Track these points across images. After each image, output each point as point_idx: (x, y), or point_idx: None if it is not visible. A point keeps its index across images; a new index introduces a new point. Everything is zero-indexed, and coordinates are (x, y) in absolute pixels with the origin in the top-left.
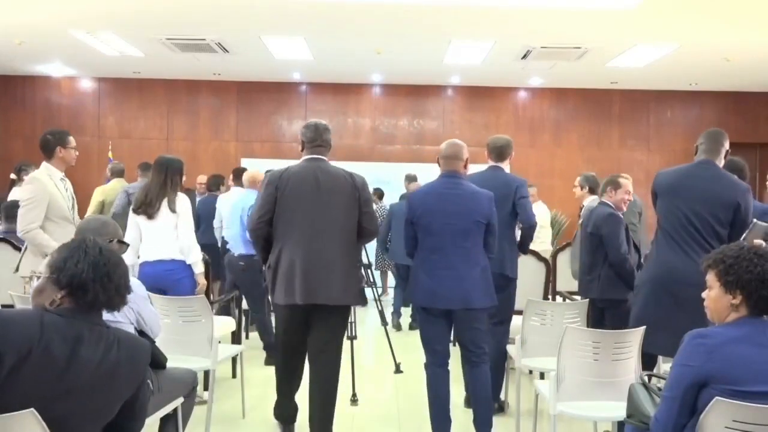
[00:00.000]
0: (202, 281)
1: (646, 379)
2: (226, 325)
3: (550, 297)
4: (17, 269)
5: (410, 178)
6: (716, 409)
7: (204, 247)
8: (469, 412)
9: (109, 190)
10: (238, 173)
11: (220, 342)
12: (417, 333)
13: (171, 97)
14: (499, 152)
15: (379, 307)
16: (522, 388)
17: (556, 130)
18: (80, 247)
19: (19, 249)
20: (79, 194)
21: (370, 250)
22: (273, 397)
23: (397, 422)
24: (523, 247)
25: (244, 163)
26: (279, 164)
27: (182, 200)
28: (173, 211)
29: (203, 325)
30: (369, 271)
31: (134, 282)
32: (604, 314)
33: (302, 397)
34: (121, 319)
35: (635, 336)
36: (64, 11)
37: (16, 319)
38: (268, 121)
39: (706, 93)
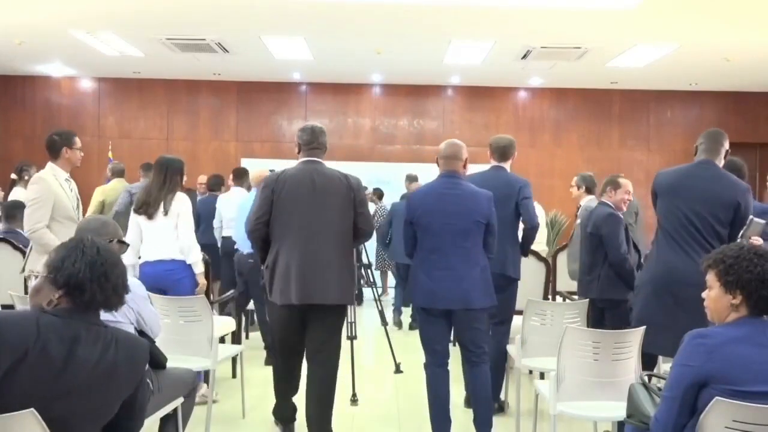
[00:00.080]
0: (202, 281)
1: (646, 379)
2: (226, 325)
3: (550, 297)
4: (23, 270)
5: (411, 178)
6: (716, 409)
7: (204, 247)
8: (469, 412)
9: (110, 190)
10: (238, 173)
11: (223, 340)
12: (417, 333)
13: (171, 97)
14: (502, 152)
15: (379, 307)
16: (522, 388)
17: (556, 130)
18: (78, 246)
19: (19, 249)
20: (79, 194)
21: (370, 250)
22: (273, 397)
23: (397, 422)
24: (524, 248)
25: (244, 163)
26: (279, 164)
27: (183, 200)
28: (173, 211)
29: (203, 325)
30: (369, 271)
31: (134, 282)
32: (604, 314)
33: (302, 397)
34: (121, 319)
35: (635, 336)
36: (64, 11)
37: (12, 320)
38: (268, 121)
39: (706, 93)
